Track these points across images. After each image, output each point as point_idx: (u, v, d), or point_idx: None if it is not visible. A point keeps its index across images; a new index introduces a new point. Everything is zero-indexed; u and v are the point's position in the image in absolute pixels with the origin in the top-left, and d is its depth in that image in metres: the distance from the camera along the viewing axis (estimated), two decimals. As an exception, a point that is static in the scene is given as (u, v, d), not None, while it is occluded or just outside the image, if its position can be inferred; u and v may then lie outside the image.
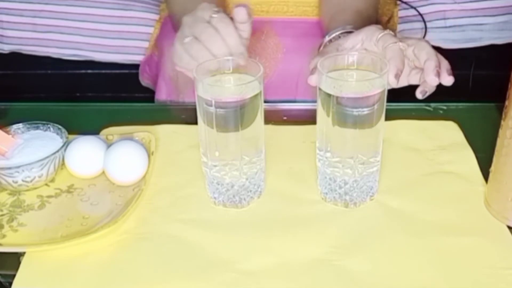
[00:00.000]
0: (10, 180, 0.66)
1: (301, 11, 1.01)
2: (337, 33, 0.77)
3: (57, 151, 0.68)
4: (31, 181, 0.66)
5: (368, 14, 0.86)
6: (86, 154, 0.68)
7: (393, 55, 0.65)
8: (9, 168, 0.65)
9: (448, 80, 0.65)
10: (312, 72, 0.66)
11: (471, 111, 0.83)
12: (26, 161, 0.66)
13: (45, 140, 0.70)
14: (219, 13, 0.67)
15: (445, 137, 0.76)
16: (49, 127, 0.72)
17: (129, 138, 0.72)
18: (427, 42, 0.68)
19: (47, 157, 0.67)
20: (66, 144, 0.69)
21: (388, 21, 1.17)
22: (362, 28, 0.71)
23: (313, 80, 0.65)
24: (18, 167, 0.65)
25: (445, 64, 0.66)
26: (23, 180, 0.66)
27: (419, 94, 0.68)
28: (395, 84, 0.63)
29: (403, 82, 0.69)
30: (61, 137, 0.70)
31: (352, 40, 0.70)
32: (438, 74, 0.65)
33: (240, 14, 0.67)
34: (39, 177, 0.67)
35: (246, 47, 0.68)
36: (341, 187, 0.63)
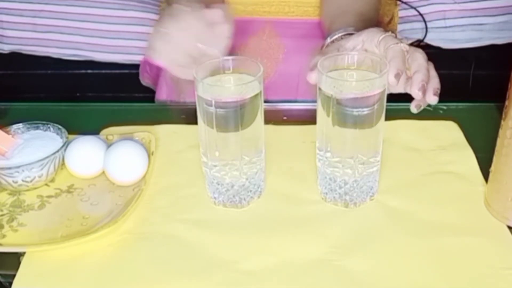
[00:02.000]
0: (10, 180, 0.66)
1: (302, 11, 1.01)
2: (339, 34, 0.77)
3: (57, 151, 0.68)
4: (31, 181, 0.66)
5: (369, 16, 0.86)
6: (86, 154, 0.68)
7: (394, 55, 0.65)
8: (9, 168, 0.65)
9: (432, 99, 0.65)
10: (312, 69, 0.66)
11: (471, 111, 0.83)
12: (26, 161, 0.66)
13: (45, 140, 0.70)
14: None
15: (445, 137, 0.76)
16: (49, 127, 0.72)
17: (129, 138, 0.72)
18: (422, 53, 0.67)
19: (47, 157, 0.67)
20: (66, 144, 0.69)
21: (389, 21, 1.16)
22: (364, 30, 0.71)
23: (312, 77, 0.65)
24: (18, 167, 0.65)
25: (434, 82, 0.66)
26: (23, 180, 0.66)
27: (413, 108, 0.67)
28: (395, 84, 0.63)
29: (399, 89, 0.69)
30: (61, 137, 0.70)
31: (353, 41, 0.70)
32: (424, 89, 0.64)
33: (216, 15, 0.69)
34: (39, 177, 0.67)
35: (228, 46, 0.70)
36: (341, 187, 0.63)
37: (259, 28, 0.98)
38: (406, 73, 0.67)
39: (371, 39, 0.69)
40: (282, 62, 0.96)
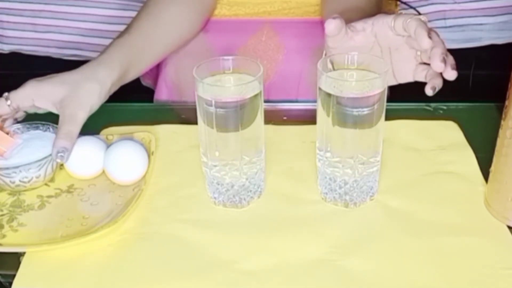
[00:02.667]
0: (7, 180, 0.66)
1: (303, 12, 1.01)
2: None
3: None
4: (28, 181, 0.66)
5: (371, 13, 0.86)
6: (85, 155, 0.68)
7: (420, 28, 0.62)
8: (7, 168, 0.65)
9: (451, 74, 0.63)
10: (335, 17, 0.64)
11: (471, 111, 0.83)
12: (23, 161, 0.66)
13: (44, 141, 0.69)
14: None
15: (445, 137, 0.76)
16: (48, 128, 0.72)
17: (129, 138, 0.72)
18: (436, 32, 0.66)
19: (45, 157, 0.66)
20: None
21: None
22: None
23: (331, 26, 0.64)
24: (16, 167, 0.65)
25: (450, 58, 0.65)
26: (20, 181, 0.66)
27: (429, 90, 0.65)
28: (441, 69, 0.61)
29: (408, 78, 0.68)
30: None
31: (363, 22, 0.69)
32: (445, 61, 0.62)
33: None
34: (37, 177, 0.67)
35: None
36: (341, 187, 0.63)
37: (258, 29, 0.98)
38: (422, 58, 0.66)
39: (382, 21, 0.67)
40: (282, 62, 0.96)
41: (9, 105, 0.70)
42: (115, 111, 0.83)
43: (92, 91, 0.71)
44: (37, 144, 0.69)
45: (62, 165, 0.69)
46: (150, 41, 0.83)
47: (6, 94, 0.70)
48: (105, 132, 0.77)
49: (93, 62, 0.75)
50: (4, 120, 0.71)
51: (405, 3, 1.24)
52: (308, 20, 1.00)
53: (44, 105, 0.71)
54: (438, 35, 0.65)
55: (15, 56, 1.33)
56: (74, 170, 0.69)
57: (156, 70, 1.08)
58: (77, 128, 0.68)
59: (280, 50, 0.96)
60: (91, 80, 0.72)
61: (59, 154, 0.65)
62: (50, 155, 0.66)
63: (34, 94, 0.70)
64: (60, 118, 0.68)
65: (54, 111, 0.71)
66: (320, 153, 0.64)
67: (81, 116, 0.69)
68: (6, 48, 1.33)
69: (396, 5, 1.22)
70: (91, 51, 1.30)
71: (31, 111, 0.73)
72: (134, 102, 0.88)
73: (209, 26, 0.99)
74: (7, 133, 0.69)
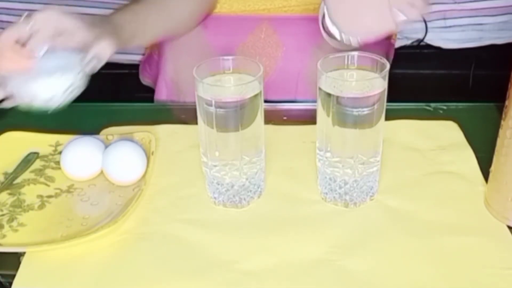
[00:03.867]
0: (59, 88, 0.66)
1: (302, 9, 1.01)
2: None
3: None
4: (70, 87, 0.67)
5: None
6: (82, 156, 0.68)
7: None
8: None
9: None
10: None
11: (471, 111, 0.83)
12: (62, 63, 0.66)
13: (58, 52, 0.67)
14: None
15: (445, 137, 0.76)
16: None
17: (127, 138, 0.72)
18: None
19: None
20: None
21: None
22: None
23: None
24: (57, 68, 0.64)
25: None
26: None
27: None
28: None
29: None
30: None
31: None
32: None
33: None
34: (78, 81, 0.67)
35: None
36: (341, 187, 0.63)
37: (257, 26, 0.98)
38: None
39: None
40: (281, 60, 0.96)
41: (29, 29, 0.66)
42: (115, 111, 0.83)
43: (110, 45, 0.71)
44: (55, 55, 0.67)
45: (57, 162, 0.69)
46: (154, 18, 0.83)
47: (27, 13, 0.67)
48: (105, 132, 0.77)
49: (106, 19, 0.74)
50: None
51: (405, 3, 1.24)
52: (307, 18, 1.00)
53: (65, 38, 0.68)
54: None
55: (15, 56, 1.33)
56: (72, 172, 0.68)
57: (156, 69, 1.08)
58: (107, 53, 0.69)
59: (279, 48, 0.96)
60: (110, 36, 0.72)
61: (93, 59, 0.67)
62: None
63: (57, 21, 0.67)
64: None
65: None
66: (320, 153, 0.64)
67: (108, 52, 0.70)
68: (6, 48, 1.33)
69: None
70: (91, 51, 1.30)
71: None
72: (134, 102, 0.88)
73: (208, 23, 0.99)
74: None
